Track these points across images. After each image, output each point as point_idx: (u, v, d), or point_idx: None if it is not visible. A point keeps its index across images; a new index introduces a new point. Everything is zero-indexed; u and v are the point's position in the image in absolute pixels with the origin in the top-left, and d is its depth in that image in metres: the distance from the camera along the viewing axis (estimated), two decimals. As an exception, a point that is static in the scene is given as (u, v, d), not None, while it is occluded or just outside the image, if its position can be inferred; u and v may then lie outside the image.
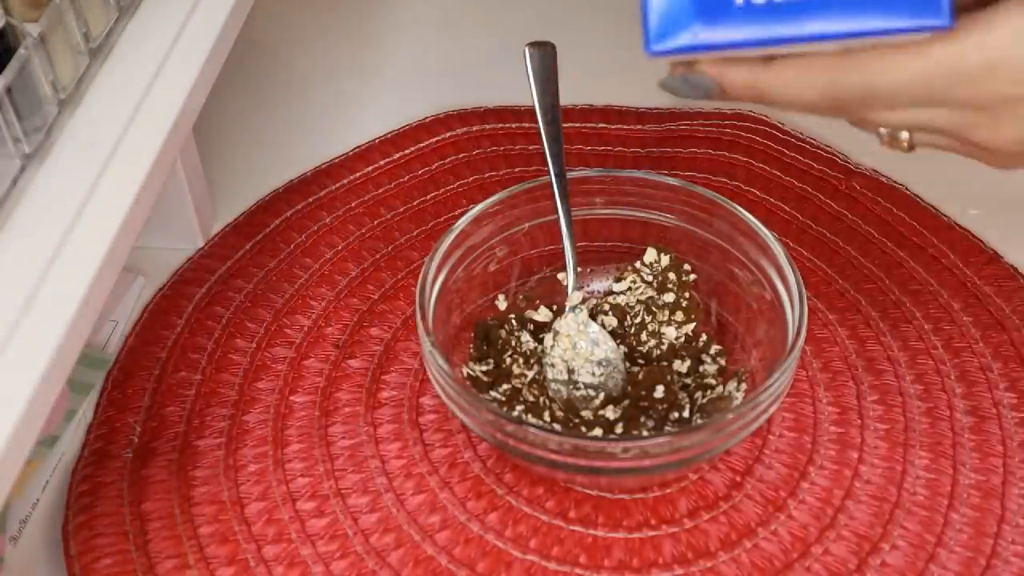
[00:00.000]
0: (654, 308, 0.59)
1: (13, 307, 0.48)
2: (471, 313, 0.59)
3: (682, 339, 0.59)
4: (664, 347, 0.59)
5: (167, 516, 0.55)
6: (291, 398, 0.60)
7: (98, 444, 0.58)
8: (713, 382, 0.57)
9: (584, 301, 0.60)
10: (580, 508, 0.55)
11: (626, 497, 0.55)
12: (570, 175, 0.58)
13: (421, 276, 0.55)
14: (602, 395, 0.57)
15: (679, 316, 0.59)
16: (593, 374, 0.57)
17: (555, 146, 0.57)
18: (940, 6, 0.41)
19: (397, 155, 0.71)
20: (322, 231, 0.67)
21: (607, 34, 0.80)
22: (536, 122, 0.57)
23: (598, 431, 0.55)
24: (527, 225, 0.59)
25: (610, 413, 0.56)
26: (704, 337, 0.59)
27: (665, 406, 0.56)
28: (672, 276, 0.60)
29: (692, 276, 0.60)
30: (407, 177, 0.70)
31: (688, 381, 0.58)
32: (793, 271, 0.54)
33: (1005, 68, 0.42)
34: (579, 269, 0.60)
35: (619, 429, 0.55)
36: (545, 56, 0.59)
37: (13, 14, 0.52)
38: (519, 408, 0.56)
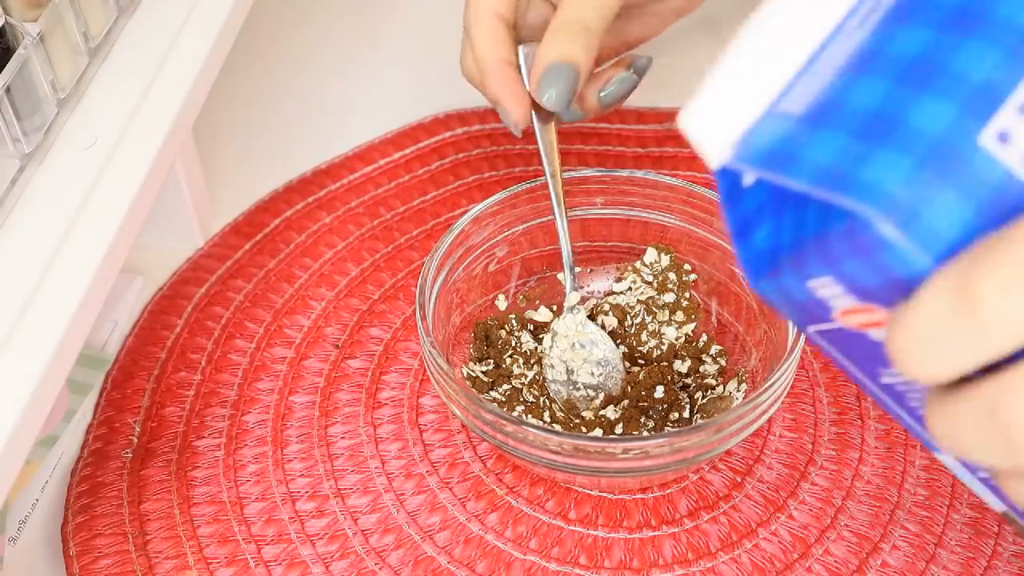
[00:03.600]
0: (654, 308, 0.59)
1: (12, 307, 0.48)
2: (471, 313, 0.59)
3: (682, 339, 0.59)
4: (664, 347, 0.59)
5: (167, 516, 0.55)
6: (291, 398, 0.60)
7: (97, 444, 0.58)
8: (713, 382, 0.57)
9: (583, 301, 0.60)
10: (580, 508, 0.55)
11: (626, 497, 0.55)
12: (570, 175, 0.58)
13: (421, 276, 0.55)
14: (602, 395, 0.57)
15: (679, 316, 0.59)
16: (592, 374, 0.57)
17: (550, 146, 0.56)
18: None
19: (397, 155, 0.71)
20: (322, 231, 0.67)
21: (607, 34, 0.80)
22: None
23: (598, 431, 0.55)
24: (527, 225, 0.59)
25: (610, 413, 0.56)
26: (704, 337, 0.59)
27: (665, 406, 0.56)
28: (672, 276, 0.60)
29: (692, 276, 0.60)
30: (407, 177, 0.70)
31: (688, 381, 0.58)
32: (793, 271, 0.54)
33: None
34: (578, 269, 0.60)
35: (619, 429, 0.55)
36: None
37: (12, 14, 0.52)
38: (519, 408, 0.56)
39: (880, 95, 0.30)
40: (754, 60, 0.32)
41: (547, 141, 0.56)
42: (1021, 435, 0.29)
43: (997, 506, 0.37)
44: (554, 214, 0.57)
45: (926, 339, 0.29)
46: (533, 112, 0.56)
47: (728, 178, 0.34)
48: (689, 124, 0.33)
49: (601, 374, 0.57)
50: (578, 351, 0.57)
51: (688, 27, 0.79)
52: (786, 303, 0.34)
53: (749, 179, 0.34)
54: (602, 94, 0.55)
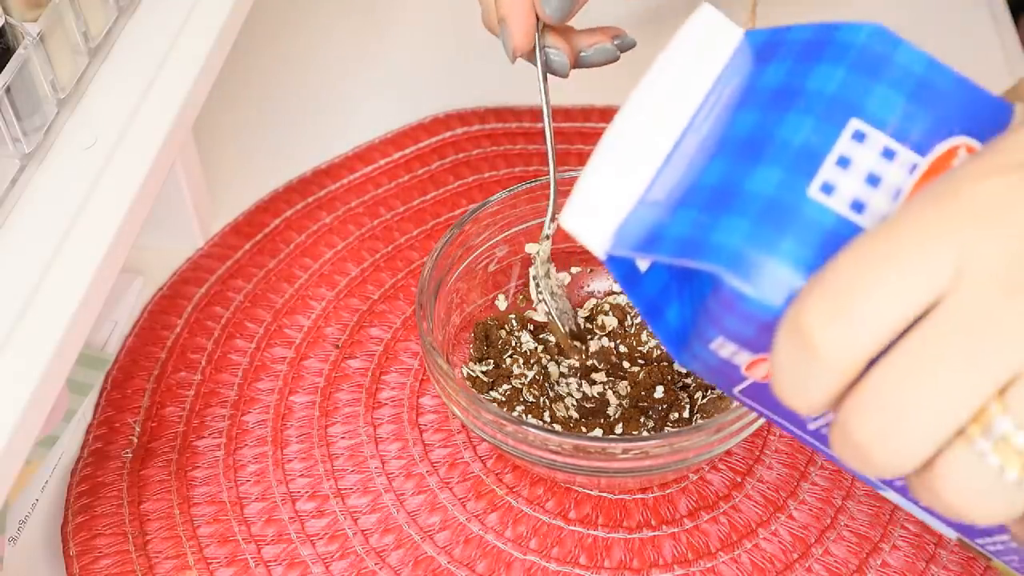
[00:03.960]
0: (654, 308, 0.59)
1: (12, 307, 0.48)
2: (471, 313, 0.59)
3: (682, 339, 0.59)
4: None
5: (167, 516, 0.55)
6: (291, 398, 0.60)
7: (97, 444, 0.58)
8: (713, 382, 0.57)
9: (583, 302, 0.60)
10: (580, 508, 0.55)
11: (626, 497, 0.55)
12: (570, 175, 0.58)
13: (421, 276, 0.55)
14: (567, 328, 0.56)
15: (679, 316, 0.59)
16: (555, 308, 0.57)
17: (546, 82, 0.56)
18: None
19: (397, 155, 0.71)
20: (322, 231, 0.67)
21: (607, 34, 0.80)
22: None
23: (598, 431, 0.55)
24: (527, 225, 0.59)
25: (612, 399, 0.56)
26: (704, 337, 0.59)
27: (665, 406, 0.56)
28: (672, 276, 0.60)
29: (692, 276, 0.60)
30: (407, 177, 0.70)
31: (688, 381, 0.58)
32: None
33: None
34: (577, 269, 0.59)
35: (619, 429, 0.55)
36: None
37: (12, 14, 0.52)
38: (519, 408, 0.56)
39: (722, 171, 0.35)
40: (623, 161, 0.37)
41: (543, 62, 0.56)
42: (870, 453, 0.31)
43: (951, 534, 0.39)
44: (545, 137, 0.56)
45: (790, 379, 0.32)
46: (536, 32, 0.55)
47: (619, 266, 0.39)
48: (571, 224, 0.37)
49: (557, 307, 0.57)
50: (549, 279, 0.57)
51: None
52: (706, 370, 0.38)
53: (643, 264, 0.39)
54: (583, 54, 0.56)
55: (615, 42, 0.57)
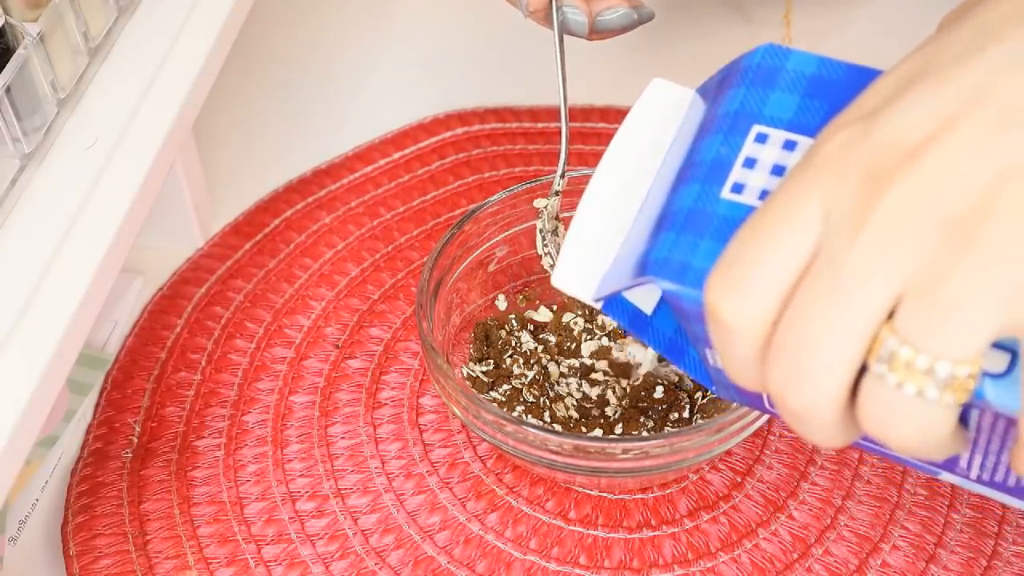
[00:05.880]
0: (654, 308, 0.59)
1: (12, 307, 0.48)
2: (471, 313, 0.59)
3: (682, 339, 0.59)
4: (664, 347, 0.59)
5: (167, 516, 0.55)
6: (290, 398, 0.60)
7: (97, 444, 0.58)
8: (713, 382, 0.57)
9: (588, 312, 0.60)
10: (580, 508, 0.55)
11: (626, 497, 0.55)
12: (570, 175, 0.58)
13: (421, 276, 0.55)
14: None
15: (679, 316, 0.59)
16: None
17: (560, 33, 0.56)
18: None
19: (397, 155, 0.71)
20: (322, 231, 0.67)
21: (607, 34, 0.80)
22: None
23: (598, 431, 0.55)
24: (527, 225, 0.59)
25: (611, 404, 0.56)
26: (704, 337, 0.59)
27: (665, 406, 0.56)
28: (672, 276, 0.60)
29: (692, 276, 0.60)
30: (407, 177, 0.70)
31: (688, 381, 0.58)
32: (793, 271, 0.54)
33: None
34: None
35: (619, 429, 0.55)
36: None
37: (12, 14, 0.52)
38: (519, 408, 0.56)
39: (663, 204, 0.39)
40: (597, 222, 0.42)
41: (559, 29, 0.56)
42: (785, 399, 0.33)
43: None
44: (560, 104, 0.56)
45: (723, 357, 0.35)
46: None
47: (621, 314, 0.43)
48: (560, 282, 0.42)
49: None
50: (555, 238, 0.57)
51: (688, 26, 0.79)
52: (734, 392, 0.41)
53: (647, 308, 0.43)
54: (600, 17, 0.56)
55: (636, 12, 0.57)
